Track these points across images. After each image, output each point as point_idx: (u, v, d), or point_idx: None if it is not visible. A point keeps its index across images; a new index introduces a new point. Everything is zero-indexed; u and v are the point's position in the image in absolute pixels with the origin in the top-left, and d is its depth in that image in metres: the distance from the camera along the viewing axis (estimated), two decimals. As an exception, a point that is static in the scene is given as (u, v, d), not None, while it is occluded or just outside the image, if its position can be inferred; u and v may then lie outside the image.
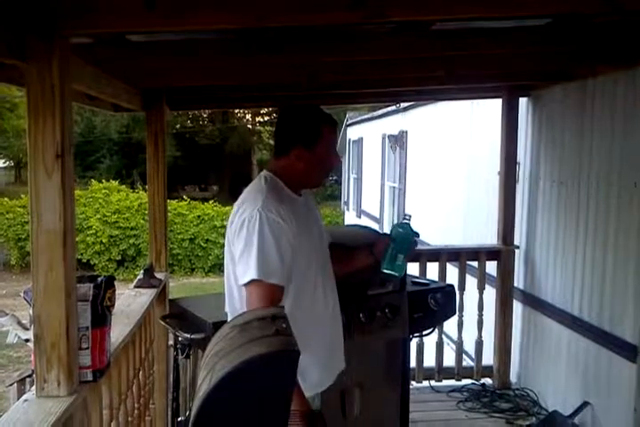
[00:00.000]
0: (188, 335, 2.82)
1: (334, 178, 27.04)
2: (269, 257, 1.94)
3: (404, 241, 2.36)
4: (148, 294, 3.16)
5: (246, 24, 2.01)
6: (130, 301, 3.01)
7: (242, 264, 1.97)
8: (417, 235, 2.39)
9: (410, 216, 2.48)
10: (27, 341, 1.92)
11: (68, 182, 1.78)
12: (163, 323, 3.13)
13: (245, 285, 1.96)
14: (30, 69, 1.74)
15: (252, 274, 1.92)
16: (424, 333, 3.65)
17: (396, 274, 2.37)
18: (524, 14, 2.14)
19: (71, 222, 1.79)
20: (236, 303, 2.08)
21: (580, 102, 3.67)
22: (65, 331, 1.77)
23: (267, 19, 1.83)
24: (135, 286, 3.29)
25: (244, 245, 1.97)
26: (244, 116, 28.25)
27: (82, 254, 15.75)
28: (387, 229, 9.85)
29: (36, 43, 1.72)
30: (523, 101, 4.39)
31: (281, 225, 1.97)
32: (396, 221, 9.79)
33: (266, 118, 27.45)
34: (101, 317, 1.94)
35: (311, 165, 2.14)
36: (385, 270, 2.36)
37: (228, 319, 2.10)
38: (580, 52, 3.04)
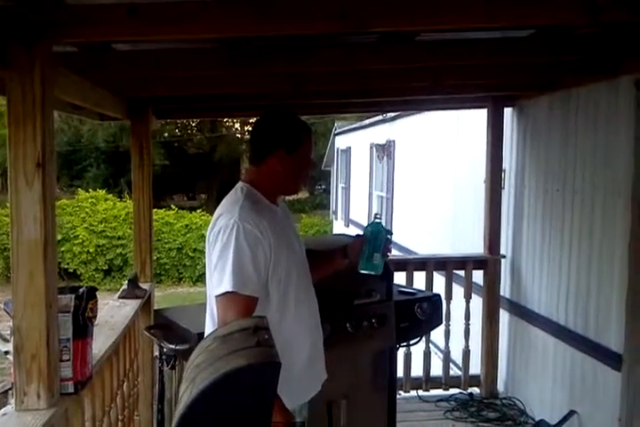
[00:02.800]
0: (173, 346, 2.79)
1: (323, 187, 27.07)
2: (244, 268, 1.92)
3: (378, 239, 2.36)
4: (132, 305, 3.13)
5: (229, 33, 2.01)
6: (114, 312, 2.98)
7: (216, 275, 1.95)
8: (390, 233, 2.39)
9: (380, 215, 2.51)
10: (6, 353, 1.89)
11: (48, 192, 1.76)
12: (147, 334, 3.10)
13: (219, 296, 1.93)
14: (11, 77, 1.73)
15: (226, 286, 1.90)
16: (411, 342, 3.65)
17: (374, 273, 2.35)
18: (507, 26, 2.15)
19: (52, 232, 1.77)
20: (214, 314, 2.05)
21: (564, 112, 3.70)
22: (45, 343, 1.75)
23: (251, 28, 1.83)
24: (119, 297, 3.26)
25: (218, 257, 1.95)
26: (233, 125, 28.24)
27: (68, 264, 15.64)
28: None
29: (17, 51, 1.71)
30: (508, 111, 4.42)
31: (258, 236, 1.95)
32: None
33: (252, 119, 27.42)
34: (83, 328, 1.91)
35: (291, 171, 2.13)
36: (362, 271, 2.35)
37: (206, 330, 2.08)
38: (563, 63, 3.07)
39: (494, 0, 1.79)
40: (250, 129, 2.26)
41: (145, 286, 3.48)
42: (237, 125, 28.44)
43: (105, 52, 2.45)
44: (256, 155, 2.17)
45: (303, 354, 2.11)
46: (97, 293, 2.09)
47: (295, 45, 2.57)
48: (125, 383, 2.94)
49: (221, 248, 1.94)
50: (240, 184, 2.14)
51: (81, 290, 1.93)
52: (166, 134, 24.97)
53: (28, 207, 1.72)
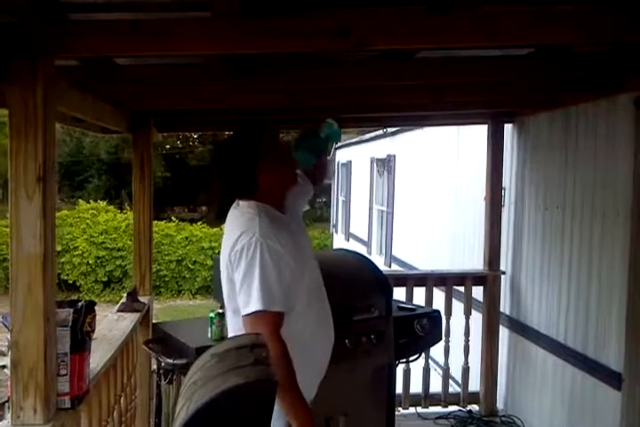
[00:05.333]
0: (171, 361, 2.79)
1: (323, 200, 27.06)
2: (271, 286, 1.93)
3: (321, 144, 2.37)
4: (130, 319, 3.12)
5: (231, 50, 2.03)
6: (112, 325, 2.97)
7: (243, 294, 1.96)
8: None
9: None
10: (3, 367, 1.89)
11: (49, 205, 1.76)
12: (145, 348, 3.10)
13: (248, 315, 1.94)
14: (13, 91, 1.74)
15: (255, 305, 1.91)
16: (410, 359, 3.63)
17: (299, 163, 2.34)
18: (506, 44, 2.17)
19: (52, 246, 1.78)
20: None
21: (564, 129, 3.71)
22: (43, 357, 1.75)
23: (252, 45, 1.85)
24: (118, 310, 3.26)
25: (243, 276, 1.95)
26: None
27: (67, 275, 15.59)
28: (375, 252, 9.72)
29: (20, 65, 1.73)
30: (508, 127, 4.43)
31: (280, 251, 1.96)
32: (384, 244, 9.79)
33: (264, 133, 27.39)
34: (81, 342, 1.91)
35: (279, 171, 2.13)
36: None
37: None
38: (562, 81, 3.09)
39: (494, 20, 1.80)
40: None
41: (144, 299, 3.47)
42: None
43: (107, 67, 2.46)
44: (243, 188, 2.12)
45: (311, 366, 2.11)
46: (96, 305, 2.09)
47: (296, 61, 2.58)
48: (122, 398, 2.93)
49: (246, 267, 1.95)
50: (244, 202, 2.12)
51: (80, 304, 1.93)
52: (168, 146, 25.01)
53: (28, 221, 1.73)
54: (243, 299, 1.96)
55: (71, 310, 1.89)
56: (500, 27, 1.80)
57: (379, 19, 1.78)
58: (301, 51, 2.17)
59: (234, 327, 2.11)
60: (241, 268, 1.96)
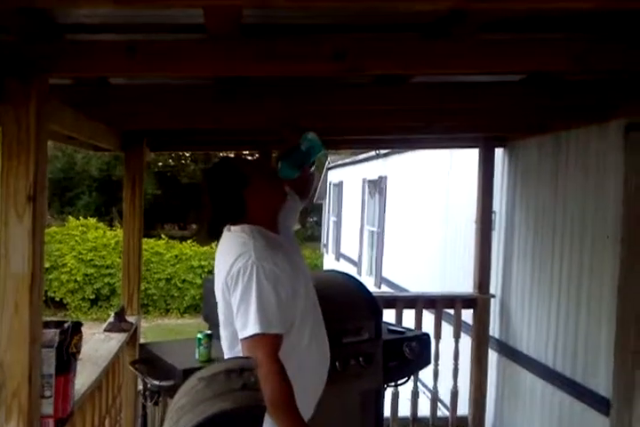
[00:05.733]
0: (157, 382, 2.76)
1: (314, 219, 27.07)
2: (268, 308, 1.93)
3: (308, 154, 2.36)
4: (117, 339, 3.09)
5: (227, 73, 2.04)
6: (98, 346, 2.94)
7: (240, 318, 1.96)
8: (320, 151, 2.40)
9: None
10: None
11: (39, 225, 1.75)
12: (132, 369, 3.06)
13: (246, 338, 1.94)
14: (6, 110, 1.73)
15: (253, 328, 1.92)
16: (399, 382, 3.61)
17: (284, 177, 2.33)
18: (499, 71, 2.19)
19: (40, 266, 1.76)
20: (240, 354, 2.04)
21: (555, 154, 3.74)
22: (27, 378, 1.72)
23: (248, 69, 1.86)
24: (105, 330, 3.22)
25: (240, 299, 1.95)
26: (228, 155, 28.37)
27: (55, 293, 15.44)
28: (365, 273, 9.70)
29: (13, 84, 1.72)
30: (499, 151, 4.46)
31: (276, 272, 1.97)
32: (374, 265, 9.78)
33: (249, 158, 27.54)
34: (66, 363, 1.89)
35: (267, 192, 2.15)
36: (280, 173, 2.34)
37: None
38: (553, 107, 3.12)
39: (489, 48, 1.83)
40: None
41: (131, 319, 3.44)
42: (232, 155, 28.53)
43: (101, 86, 2.47)
44: (233, 213, 2.13)
45: (304, 389, 2.09)
46: (82, 325, 2.07)
47: (290, 83, 2.60)
48: (107, 420, 2.89)
49: (243, 290, 1.95)
50: (237, 227, 2.12)
51: (66, 325, 1.91)
52: (160, 164, 25.01)
53: (17, 241, 1.71)
54: (240, 322, 1.96)
55: (57, 331, 1.87)
56: (494, 54, 1.82)
57: (374, 44, 1.80)
58: (296, 74, 2.19)
59: (231, 351, 2.10)
60: (238, 291, 1.96)
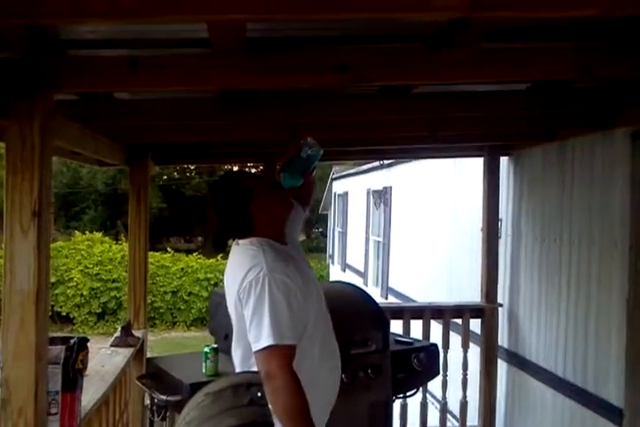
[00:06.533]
0: (164, 397, 2.74)
1: (320, 230, 27.05)
2: (281, 319, 1.94)
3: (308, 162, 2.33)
4: (124, 354, 3.08)
5: (229, 86, 2.04)
6: (105, 361, 2.92)
7: (254, 330, 1.96)
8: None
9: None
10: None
11: (43, 241, 1.75)
12: (139, 384, 3.04)
13: (260, 350, 1.94)
14: (11, 126, 1.74)
15: (266, 340, 1.91)
16: (407, 394, 3.58)
17: (287, 185, 2.30)
18: (504, 80, 2.19)
19: (45, 282, 1.76)
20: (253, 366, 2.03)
21: (561, 162, 3.73)
22: (34, 395, 1.71)
23: (252, 82, 1.86)
24: (112, 345, 3.21)
25: (253, 311, 1.95)
26: (231, 169, 28.44)
27: (61, 307, 15.44)
28: (371, 283, 9.67)
29: (18, 100, 1.73)
30: (504, 160, 4.45)
31: (288, 284, 1.97)
32: (380, 275, 9.75)
33: (253, 171, 27.65)
34: (72, 380, 1.88)
35: (273, 203, 2.15)
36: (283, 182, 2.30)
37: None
38: (559, 115, 3.11)
39: (494, 57, 1.82)
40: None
41: (138, 333, 3.43)
42: (236, 169, 28.62)
43: (105, 101, 2.48)
44: (240, 226, 2.13)
45: (317, 400, 2.08)
46: (89, 341, 2.06)
47: (294, 95, 2.60)
48: (114, 435, 2.87)
49: (255, 302, 1.95)
50: (245, 240, 2.12)
51: (72, 341, 1.90)
52: (165, 177, 25.08)
53: (22, 256, 1.71)
54: (253, 335, 1.96)
55: (63, 347, 1.86)
56: (499, 63, 1.82)
57: (377, 55, 1.81)
58: (300, 87, 2.19)
59: (244, 364, 2.09)
60: (250, 303, 1.96)
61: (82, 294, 15.70)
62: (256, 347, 1.94)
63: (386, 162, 8.96)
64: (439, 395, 4.42)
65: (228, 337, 2.85)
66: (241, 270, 2.02)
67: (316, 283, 2.25)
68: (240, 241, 2.13)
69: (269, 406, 1.78)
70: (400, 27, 1.79)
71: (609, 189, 3.25)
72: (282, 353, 1.92)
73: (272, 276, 1.95)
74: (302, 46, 1.90)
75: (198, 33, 1.63)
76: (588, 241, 3.43)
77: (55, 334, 2.33)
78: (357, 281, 10.49)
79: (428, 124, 2.98)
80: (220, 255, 15.42)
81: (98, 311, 15.92)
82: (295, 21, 1.66)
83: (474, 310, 4.42)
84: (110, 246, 16.71)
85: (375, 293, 8.56)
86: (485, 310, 4.37)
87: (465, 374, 4.34)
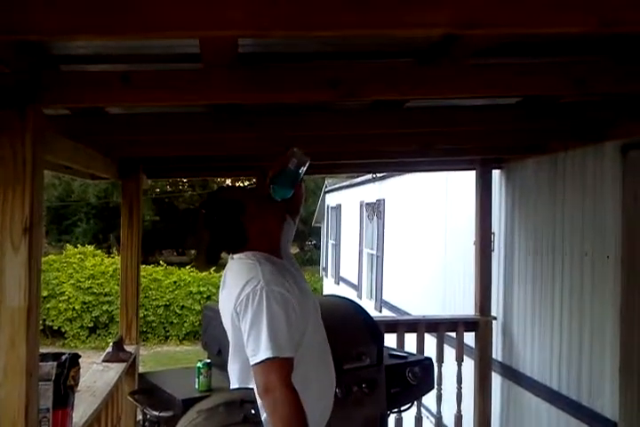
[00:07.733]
0: (157, 413, 2.71)
1: (313, 242, 27.02)
2: (279, 332, 1.93)
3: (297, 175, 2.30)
4: (116, 369, 3.05)
5: (222, 101, 2.05)
6: (96, 377, 2.90)
7: (251, 343, 1.94)
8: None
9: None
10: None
11: (35, 257, 1.73)
12: (131, 399, 3.01)
13: (258, 364, 1.92)
14: (2, 141, 1.72)
15: (265, 353, 1.90)
16: (402, 408, 3.55)
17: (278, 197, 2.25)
18: (495, 94, 2.20)
19: (36, 299, 1.74)
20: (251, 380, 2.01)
21: (552, 175, 3.75)
22: (24, 413, 1.69)
23: (244, 97, 1.87)
24: (103, 360, 3.18)
25: (250, 324, 1.94)
26: (224, 182, 28.43)
27: (53, 321, 15.34)
28: (365, 296, 9.65)
29: (9, 115, 1.72)
30: (496, 173, 4.47)
31: (285, 296, 1.96)
32: (374, 288, 9.73)
33: (246, 183, 27.64)
34: (64, 397, 1.86)
35: (264, 218, 2.15)
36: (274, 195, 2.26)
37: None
38: (550, 129, 3.12)
39: (484, 72, 1.83)
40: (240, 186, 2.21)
41: (130, 348, 3.40)
42: (229, 181, 28.62)
43: (97, 116, 2.47)
44: (234, 241, 2.13)
45: (315, 411, 2.06)
46: (80, 357, 2.04)
47: (286, 109, 2.61)
48: (106, 452, 2.84)
49: (253, 315, 1.94)
50: (240, 254, 2.12)
51: (63, 357, 1.88)
52: (157, 190, 25.05)
53: (13, 273, 1.69)
54: (251, 348, 1.94)
55: (55, 364, 1.84)
56: (489, 78, 1.83)
57: (367, 70, 1.81)
58: (291, 101, 2.20)
59: (242, 378, 2.06)
60: (248, 316, 1.95)
61: (74, 308, 15.60)
62: (254, 360, 1.93)
63: (379, 175, 8.97)
64: (434, 409, 4.40)
65: (221, 352, 2.84)
66: (237, 284, 2.01)
67: (313, 296, 2.25)
68: (235, 255, 2.12)
69: (268, 417, 1.78)
70: (391, 42, 1.80)
71: (600, 201, 3.26)
72: (280, 366, 1.91)
73: (269, 288, 1.95)
74: (294, 61, 1.91)
75: (190, 48, 1.64)
76: (581, 254, 3.43)
77: (46, 350, 2.31)
78: (351, 294, 10.46)
79: (420, 138, 2.99)
80: (213, 269, 15.38)
81: (90, 325, 15.81)
82: (288, 37, 1.67)
83: (468, 324, 4.42)
84: (102, 260, 16.63)
85: (369, 306, 8.54)
86: (479, 324, 4.37)
87: (459, 388, 4.33)
